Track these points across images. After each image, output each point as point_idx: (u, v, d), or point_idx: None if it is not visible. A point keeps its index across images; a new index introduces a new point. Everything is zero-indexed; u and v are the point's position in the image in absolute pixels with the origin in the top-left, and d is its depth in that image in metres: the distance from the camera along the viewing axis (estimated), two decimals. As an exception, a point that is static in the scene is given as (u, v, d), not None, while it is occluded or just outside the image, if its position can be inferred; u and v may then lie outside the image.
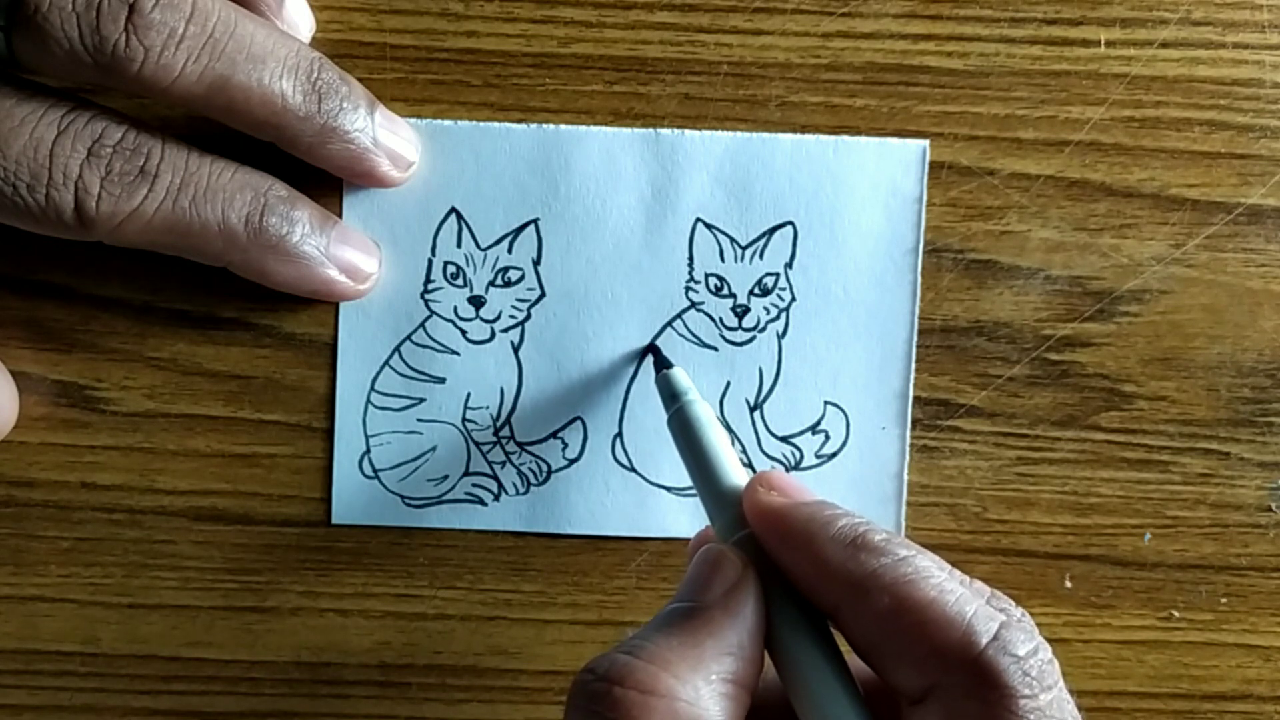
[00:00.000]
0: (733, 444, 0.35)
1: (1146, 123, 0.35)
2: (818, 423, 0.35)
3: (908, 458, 0.36)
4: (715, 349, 0.35)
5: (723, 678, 0.25)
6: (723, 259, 0.35)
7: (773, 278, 0.35)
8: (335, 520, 0.35)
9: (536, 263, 0.35)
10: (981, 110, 0.35)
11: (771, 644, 0.27)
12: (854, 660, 0.27)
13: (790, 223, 0.35)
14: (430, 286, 0.35)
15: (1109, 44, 0.35)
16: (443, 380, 0.35)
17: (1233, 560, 0.36)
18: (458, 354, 0.35)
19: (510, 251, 0.35)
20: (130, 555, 0.35)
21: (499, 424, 0.35)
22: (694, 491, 0.35)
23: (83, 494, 0.35)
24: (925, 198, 0.35)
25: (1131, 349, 0.36)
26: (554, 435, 0.35)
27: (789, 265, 0.35)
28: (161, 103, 0.32)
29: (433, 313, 0.35)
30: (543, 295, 0.35)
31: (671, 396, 0.32)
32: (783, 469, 0.35)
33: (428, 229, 0.35)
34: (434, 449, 0.35)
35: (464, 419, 0.35)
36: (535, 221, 0.35)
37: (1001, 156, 0.35)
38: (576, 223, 0.35)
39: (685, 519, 0.35)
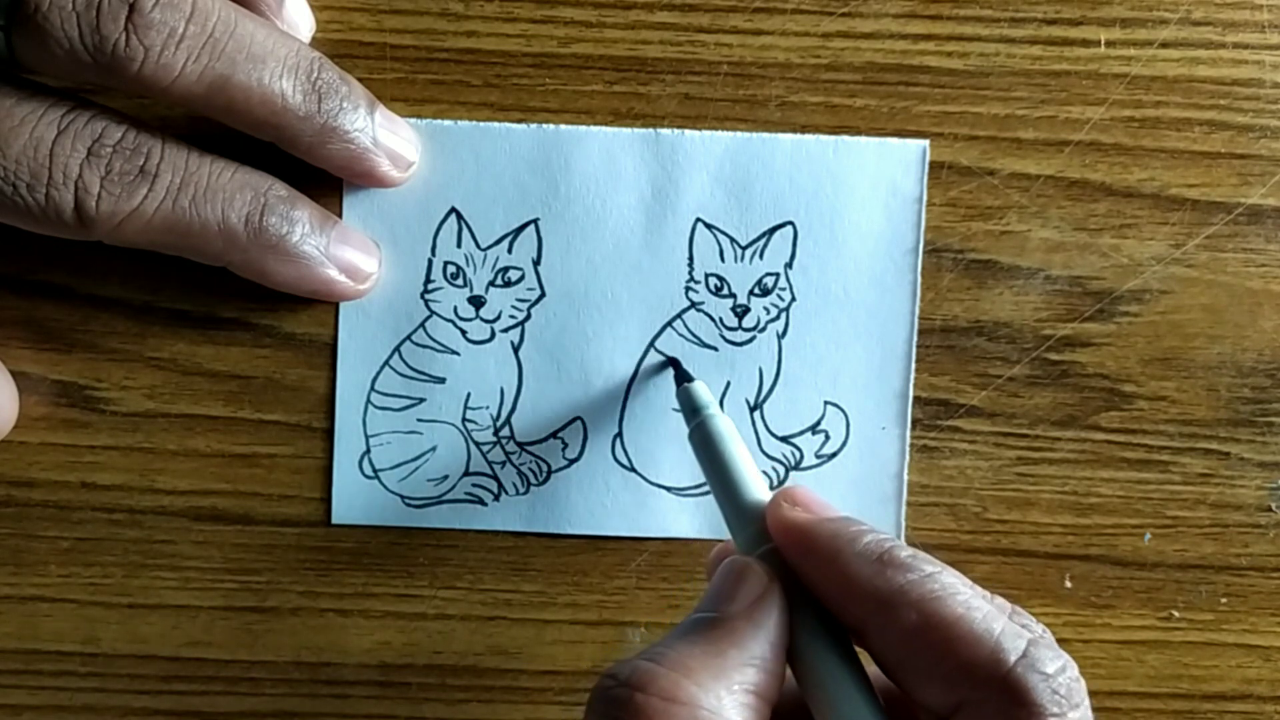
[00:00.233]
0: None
1: (1146, 123, 0.35)
2: (818, 423, 0.35)
3: (908, 458, 0.36)
4: (715, 349, 0.35)
5: (745, 688, 0.25)
6: (723, 259, 0.35)
7: (773, 278, 0.35)
8: (335, 520, 0.35)
9: (536, 263, 0.35)
10: (981, 110, 0.35)
11: (794, 658, 0.27)
12: (875, 675, 0.27)
13: (790, 223, 0.35)
14: (430, 286, 0.35)
15: (1109, 44, 0.35)
16: (443, 380, 0.35)
17: (1233, 560, 0.36)
18: (458, 354, 0.35)
19: (510, 251, 0.35)
20: (130, 555, 0.35)
21: (499, 424, 0.35)
22: (694, 492, 0.35)
23: (83, 494, 0.35)
24: (925, 198, 0.35)
25: (1131, 349, 0.36)
26: (554, 435, 0.35)
27: (789, 265, 0.35)
28: (161, 102, 0.32)
29: (433, 313, 0.35)
30: (543, 295, 0.35)
31: (693, 410, 0.32)
32: (783, 469, 0.35)
33: (428, 229, 0.35)
34: (434, 449, 0.35)
35: (464, 419, 0.35)
36: (535, 221, 0.35)
37: (1001, 156, 0.35)
38: (576, 223, 0.35)
39: (685, 519, 0.35)
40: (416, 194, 0.35)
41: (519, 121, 0.35)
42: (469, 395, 0.35)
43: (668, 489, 0.35)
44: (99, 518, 0.35)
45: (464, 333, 0.35)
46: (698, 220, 0.35)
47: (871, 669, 0.27)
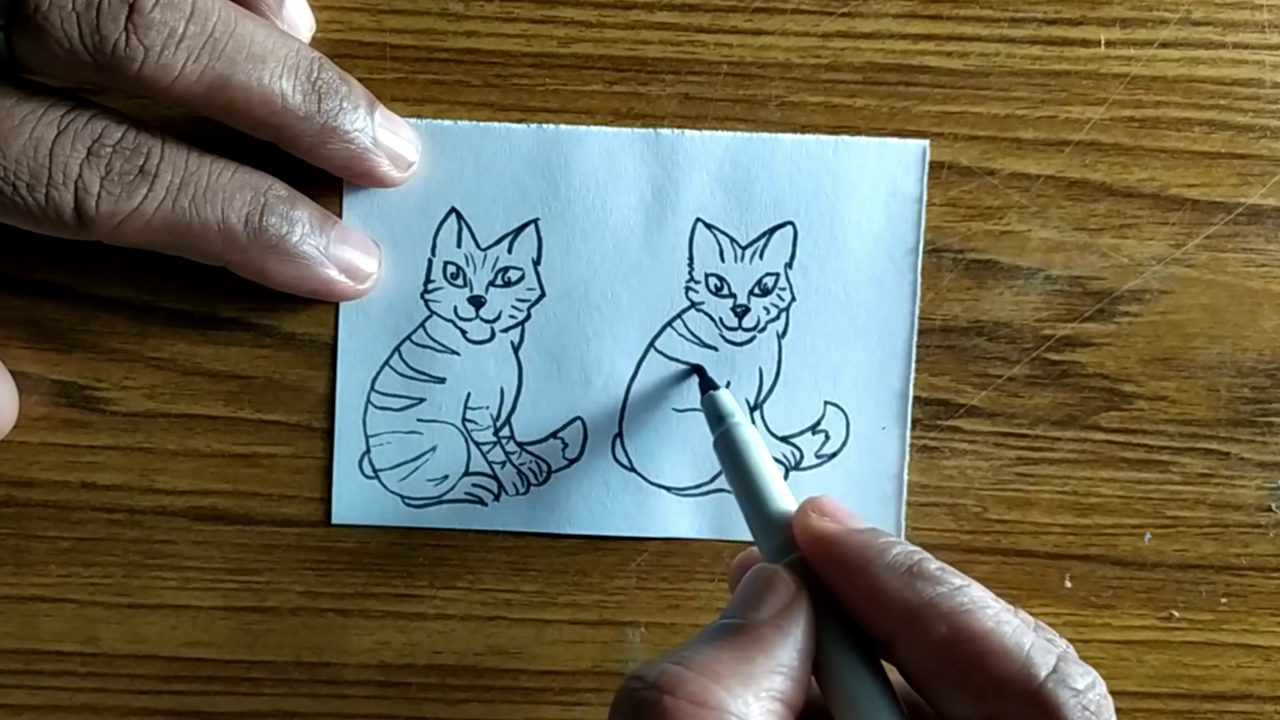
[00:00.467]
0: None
1: (1146, 123, 0.35)
2: (818, 423, 0.35)
3: (908, 458, 0.36)
4: (715, 349, 0.35)
5: (772, 695, 0.25)
6: (723, 259, 0.35)
7: (773, 278, 0.35)
8: (335, 520, 0.35)
9: (536, 263, 0.35)
10: (981, 110, 0.35)
11: (819, 667, 0.27)
12: (899, 687, 0.27)
13: (790, 223, 0.35)
14: (430, 286, 0.35)
15: (1109, 44, 0.35)
16: (443, 380, 0.35)
17: (1233, 560, 0.36)
18: (458, 354, 0.35)
19: (510, 251, 0.35)
20: (130, 555, 0.35)
21: (499, 424, 0.35)
22: (694, 492, 0.35)
23: (83, 494, 0.35)
24: (925, 198, 0.35)
25: (1131, 349, 0.36)
26: (554, 435, 0.35)
27: (789, 265, 0.35)
28: (161, 102, 0.32)
29: (433, 313, 0.35)
30: (543, 295, 0.35)
31: (718, 418, 0.32)
32: (783, 469, 0.35)
33: (428, 229, 0.35)
34: (434, 449, 0.35)
35: (464, 419, 0.35)
36: (535, 221, 0.35)
37: (1001, 156, 0.35)
38: (576, 223, 0.35)
39: (685, 519, 0.35)
40: (416, 194, 0.35)
41: (519, 121, 0.35)
42: (469, 395, 0.35)
43: (668, 489, 0.35)
44: (99, 518, 0.35)
45: (464, 333, 0.35)
46: (698, 220, 0.35)
47: (895, 679, 0.27)
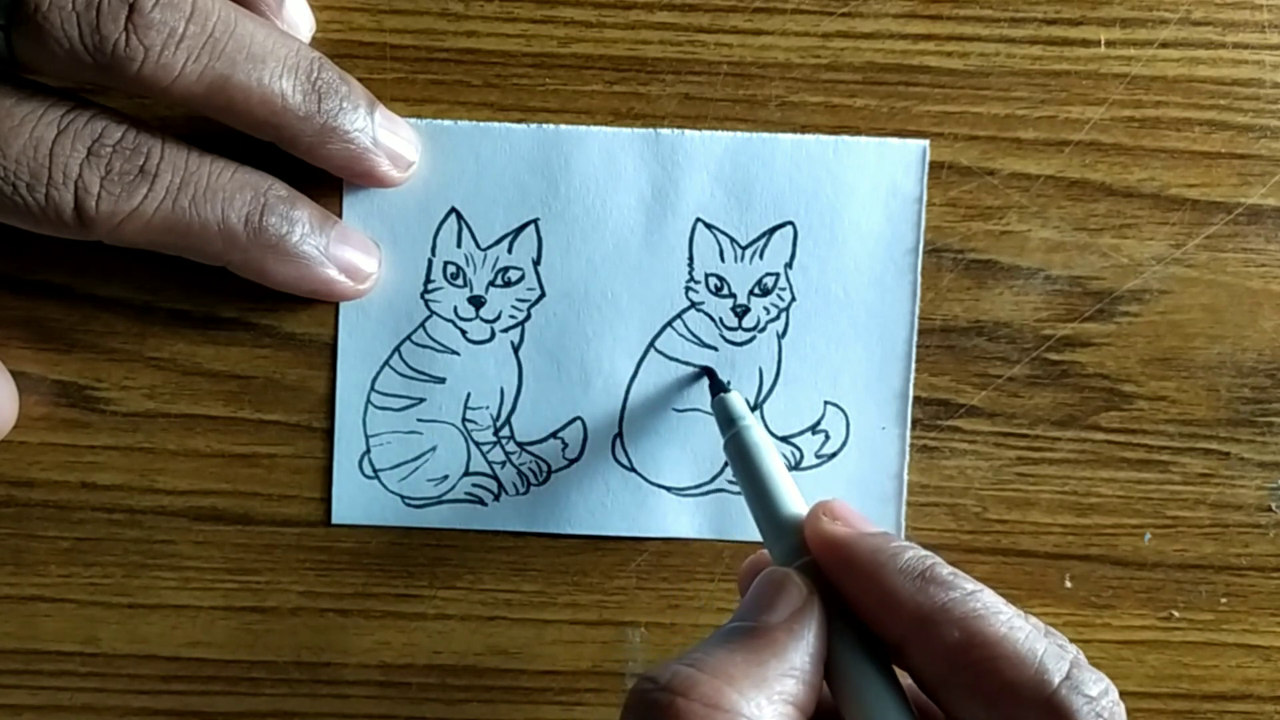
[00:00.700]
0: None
1: (1146, 123, 0.35)
2: (818, 423, 0.35)
3: (908, 458, 0.36)
4: (715, 349, 0.35)
5: (784, 698, 0.25)
6: (723, 259, 0.35)
7: (773, 278, 0.35)
8: (335, 520, 0.35)
9: (536, 263, 0.35)
10: (981, 110, 0.35)
11: (830, 671, 0.27)
12: (910, 691, 0.27)
13: (790, 223, 0.35)
14: (430, 286, 0.35)
15: (1109, 44, 0.35)
16: (443, 380, 0.35)
17: (1233, 560, 0.36)
18: (458, 354, 0.35)
19: (510, 251, 0.35)
20: (130, 555, 0.35)
21: (499, 424, 0.35)
22: (694, 492, 0.35)
23: (83, 494, 0.35)
24: (925, 198, 0.35)
25: (1131, 349, 0.36)
26: (554, 435, 0.35)
27: (789, 265, 0.35)
28: (161, 102, 0.32)
29: (433, 313, 0.35)
30: (543, 295, 0.35)
31: (729, 421, 0.32)
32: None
33: (428, 229, 0.35)
34: (434, 449, 0.35)
35: (464, 419, 0.35)
36: (535, 221, 0.35)
37: (1001, 156, 0.35)
38: (576, 223, 0.35)
39: (685, 519, 0.35)
40: (416, 194, 0.35)
41: (519, 121, 0.35)
42: (469, 395, 0.35)
43: (668, 489, 0.35)
44: (99, 518, 0.35)
45: (464, 333, 0.35)
46: (698, 220, 0.35)
47: (906, 684, 0.27)
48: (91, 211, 0.30)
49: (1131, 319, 0.35)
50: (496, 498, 0.35)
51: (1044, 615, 0.36)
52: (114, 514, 0.35)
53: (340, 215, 0.34)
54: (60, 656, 0.35)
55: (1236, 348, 0.36)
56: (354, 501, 0.35)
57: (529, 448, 0.35)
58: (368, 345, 0.35)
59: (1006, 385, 0.36)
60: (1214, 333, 0.36)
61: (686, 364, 0.35)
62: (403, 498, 0.35)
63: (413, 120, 0.34)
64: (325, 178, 0.34)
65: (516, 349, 0.35)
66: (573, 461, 0.35)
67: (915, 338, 0.35)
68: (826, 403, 0.35)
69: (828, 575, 0.28)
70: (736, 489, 0.35)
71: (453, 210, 0.35)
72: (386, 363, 0.35)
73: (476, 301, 0.35)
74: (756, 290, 0.35)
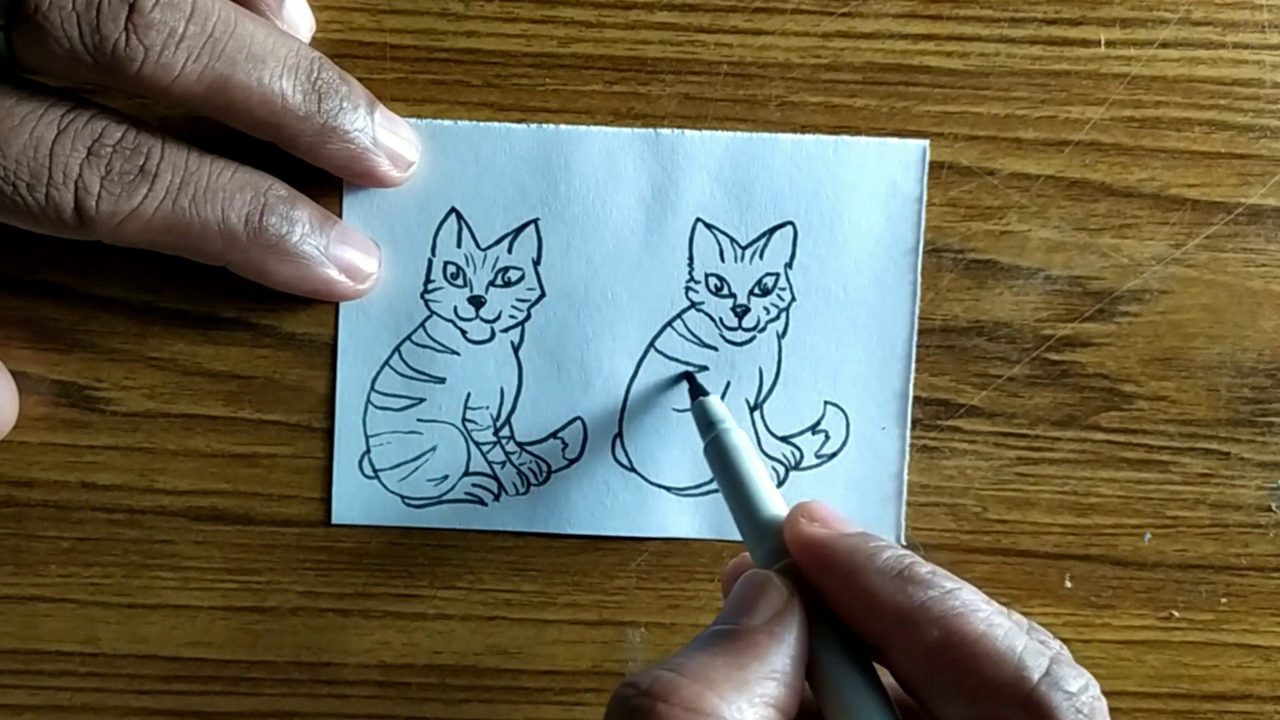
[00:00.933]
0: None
1: (1146, 123, 0.35)
2: (818, 423, 0.35)
3: (908, 458, 0.36)
4: (715, 349, 0.35)
5: (765, 701, 0.25)
6: (723, 259, 0.35)
7: (773, 278, 0.35)
8: (335, 520, 0.35)
9: (536, 263, 0.35)
10: (981, 110, 0.35)
11: (813, 673, 0.27)
12: (893, 691, 0.27)
13: (790, 223, 0.35)
14: (430, 286, 0.35)
15: (1109, 44, 0.35)
16: (443, 380, 0.35)
17: (1233, 560, 0.36)
18: (458, 354, 0.35)
19: (510, 251, 0.35)
20: (130, 555, 0.35)
21: (499, 424, 0.35)
22: (694, 492, 0.35)
23: (83, 494, 0.35)
24: (925, 198, 0.35)
25: (1131, 349, 0.36)
26: (554, 435, 0.35)
27: (789, 265, 0.35)
28: (161, 102, 0.32)
29: (433, 313, 0.35)
30: (543, 295, 0.35)
31: (708, 425, 0.32)
32: (783, 469, 0.36)
33: (428, 229, 0.35)
34: (434, 449, 0.35)
35: (464, 419, 0.35)
36: (535, 221, 0.35)
37: (1001, 156, 0.35)
38: (576, 223, 0.35)
39: (685, 519, 0.35)
40: (416, 194, 0.35)
41: (519, 121, 0.35)
42: (469, 395, 0.35)
43: (668, 489, 0.35)
44: (99, 518, 0.35)
45: (464, 333, 0.35)
46: (698, 220, 0.35)
47: (889, 683, 0.27)
48: (91, 211, 0.30)
49: (1131, 319, 0.35)
50: (496, 498, 0.35)
51: (1044, 615, 0.36)
52: (114, 514, 0.35)
53: (340, 215, 0.34)
54: (60, 656, 0.35)
55: (1236, 348, 0.36)
56: (354, 501, 0.35)
57: (529, 448, 0.35)
58: (368, 345, 0.35)
59: (1006, 385, 0.36)
60: (1214, 333, 0.36)
61: (686, 364, 0.35)
62: (403, 498, 0.35)
63: (413, 120, 0.34)
64: (325, 178, 0.34)
65: (516, 349, 0.35)
66: (573, 461, 0.35)
67: (915, 338, 0.35)
68: (826, 403, 0.35)
69: (807, 577, 0.28)
70: (736, 489, 0.35)
71: (453, 210, 0.35)
72: (386, 363, 0.35)
73: (476, 301, 0.35)
74: (756, 290, 0.35)
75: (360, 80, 0.33)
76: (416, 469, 0.35)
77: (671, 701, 0.24)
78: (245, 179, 0.32)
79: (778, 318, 0.35)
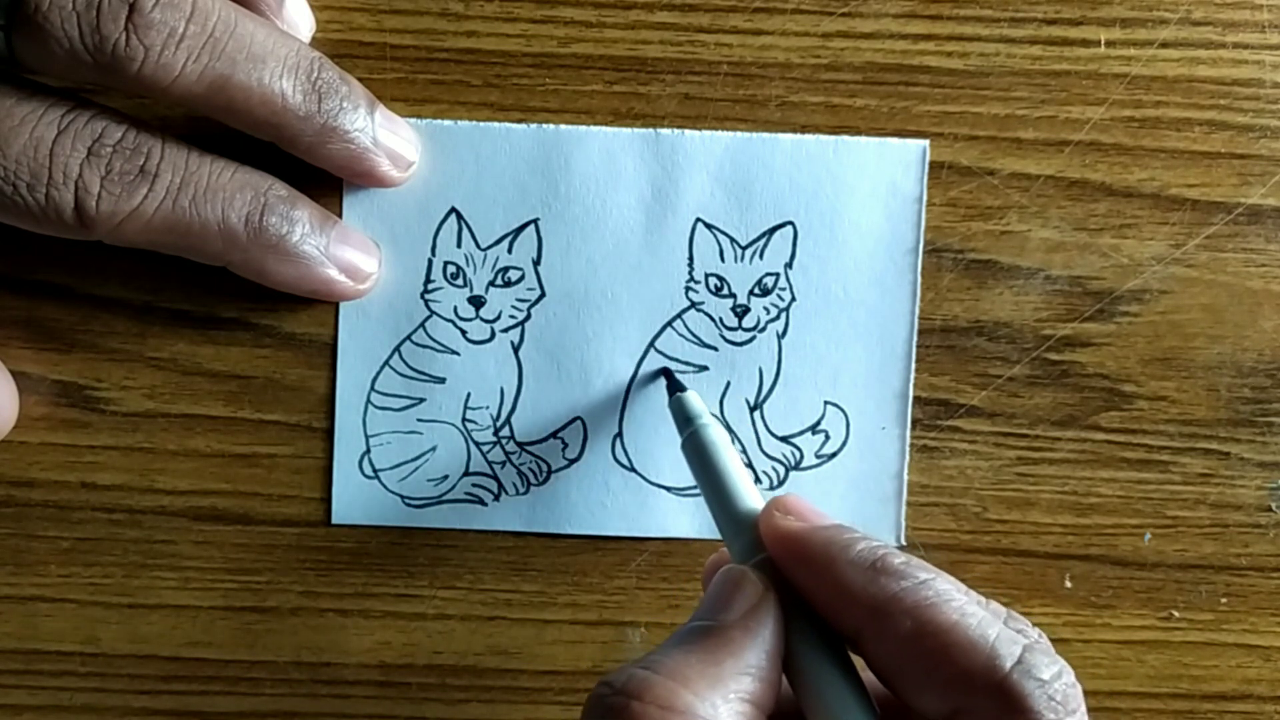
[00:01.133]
0: (732, 444, 0.35)
1: (1146, 123, 0.35)
2: (818, 423, 0.35)
3: (908, 458, 0.36)
4: (715, 349, 0.35)
5: (741, 697, 0.25)
6: (723, 259, 0.35)
7: (773, 278, 0.35)
8: (335, 520, 0.35)
9: (536, 263, 0.35)
10: (981, 110, 0.35)
11: (790, 667, 0.27)
12: (870, 683, 0.27)
13: (790, 223, 0.35)
14: (430, 286, 0.35)
15: (1109, 44, 0.35)
16: (443, 380, 0.35)
17: (1233, 560, 0.36)
18: (458, 354, 0.35)
19: (510, 251, 0.35)
20: (130, 555, 0.35)
21: (499, 424, 0.35)
22: (694, 492, 0.35)
23: (83, 494, 0.35)
24: (925, 198, 0.35)
25: (1131, 349, 0.36)
26: (554, 435, 0.35)
27: (789, 265, 0.35)
28: (161, 102, 0.32)
29: (433, 313, 0.35)
30: (543, 295, 0.35)
31: (685, 420, 0.32)
32: (783, 469, 0.35)
33: (428, 229, 0.35)
34: (434, 449, 0.35)
35: (464, 419, 0.35)
36: (535, 221, 0.35)
37: (1001, 156, 0.35)
38: (576, 223, 0.35)
39: (685, 519, 0.35)
40: (416, 194, 0.35)
41: (519, 121, 0.35)
42: (469, 395, 0.35)
43: (668, 489, 0.35)
44: (99, 518, 0.35)
45: (464, 333, 0.35)
46: (698, 220, 0.35)
47: (867, 676, 0.27)
48: (91, 211, 0.30)
49: (1131, 319, 0.35)
50: (496, 498, 0.35)
51: (1044, 615, 0.36)
52: (114, 514, 0.35)
53: (340, 215, 0.34)
54: (60, 656, 0.35)
55: (1236, 348, 0.36)
56: (354, 501, 0.35)
57: (529, 448, 0.35)
58: (368, 345, 0.35)
59: (1006, 385, 0.36)
60: (1214, 333, 0.36)
61: (687, 364, 0.35)
62: (403, 498, 0.35)
63: (413, 120, 0.34)
64: (325, 178, 0.34)
65: (516, 349, 0.35)
66: (573, 461, 0.35)
67: (915, 338, 0.35)
68: (826, 403, 0.35)
69: (783, 570, 0.28)
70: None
71: (453, 210, 0.35)
72: (386, 363, 0.35)
73: (476, 301, 0.35)
74: (756, 290, 0.35)
75: (360, 80, 0.33)
76: (416, 469, 0.35)
77: (645, 700, 0.24)
78: (245, 179, 0.32)
79: (778, 318, 0.35)
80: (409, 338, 0.35)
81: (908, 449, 0.36)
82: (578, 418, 0.35)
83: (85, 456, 0.35)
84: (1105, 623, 0.36)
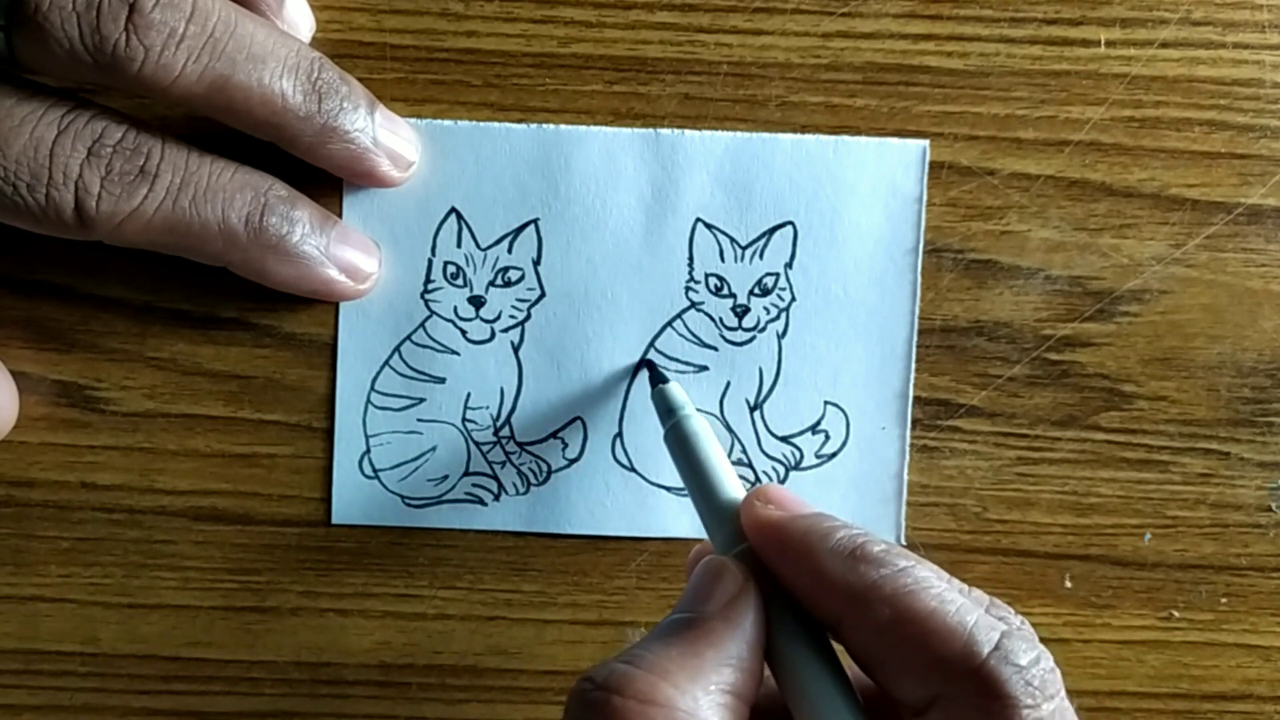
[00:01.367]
0: (733, 444, 0.35)
1: (1146, 123, 0.35)
2: (818, 423, 0.35)
3: (908, 458, 0.36)
4: (715, 349, 0.35)
5: (722, 689, 0.25)
6: (723, 259, 0.35)
7: (773, 278, 0.35)
8: (335, 520, 0.35)
9: (536, 263, 0.35)
10: (981, 110, 0.35)
11: (772, 657, 0.27)
12: (853, 672, 0.27)
13: (790, 223, 0.35)
14: (430, 286, 0.35)
15: (1109, 44, 0.35)
16: (443, 380, 0.35)
17: (1233, 560, 0.36)
18: (458, 354, 0.35)
19: (510, 251, 0.35)
20: (130, 555, 0.35)
21: (499, 424, 0.35)
22: (694, 491, 0.35)
23: (83, 494, 0.35)
24: (925, 198, 0.35)
25: (1131, 349, 0.36)
26: (554, 435, 0.35)
27: (789, 265, 0.35)
28: (161, 102, 0.32)
29: (433, 313, 0.35)
30: (543, 295, 0.35)
31: (668, 411, 0.32)
32: (783, 469, 0.35)
33: (428, 229, 0.35)
34: (434, 449, 0.35)
35: (464, 419, 0.35)
36: (535, 221, 0.35)
37: (1001, 156, 0.35)
38: (576, 223, 0.35)
39: (685, 519, 0.35)
40: (416, 194, 0.35)
41: (519, 121, 0.35)
42: (469, 395, 0.35)
43: (668, 489, 0.35)
44: (99, 518, 0.35)
45: (464, 333, 0.35)
46: (698, 220, 0.35)
47: (849, 665, 0.27)
48: (92, 211, 0.30)
49: (1131, 319, 0.35)
50: (496, 498, 0.35)
51: (1044, 615, 0.36)
52: (114, 514, 0.35)
53: (340, 215, 0.34)
54: (60, 656, 0.35)
55: (1236, 348, 0.36)
56: (354, 501, 0.35)
57: (529, 448, 0.35)
58: (368, 345, 0.35)
59: (1006, 385, 0.36)
60: (1214, 333, 0.36)
61: (687, 364, 0.35)
62: (403, 498, 0.35)
63: (413, 120, 0.34)
64: (325, 178, 0.34)
65: (516, 349, 0.35)
66: (573, 461, 0.35)
67: (915, 338, 0.35)
68: (826, 403, 0.35)
69: (764, 560, 0.28)
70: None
71: (453, 210, 0.35)
72: (386, 363, 0.35)
73: (476, 301, 0.35)
74: (756, 290, 0.35)
75: (360, 80, 0.33)
76: (416, 469, 0.35)
77: (626, 694, 0.24)
78: (245, 179, 0.32)
79: (778, 318, 0.35)
80: (409, 338, 0.35)
81: (908, 449, 0.36)
82: (578, 418, 0.35)
83: (85, 456, 0.35)
84: (1105, 623, 0.36)
